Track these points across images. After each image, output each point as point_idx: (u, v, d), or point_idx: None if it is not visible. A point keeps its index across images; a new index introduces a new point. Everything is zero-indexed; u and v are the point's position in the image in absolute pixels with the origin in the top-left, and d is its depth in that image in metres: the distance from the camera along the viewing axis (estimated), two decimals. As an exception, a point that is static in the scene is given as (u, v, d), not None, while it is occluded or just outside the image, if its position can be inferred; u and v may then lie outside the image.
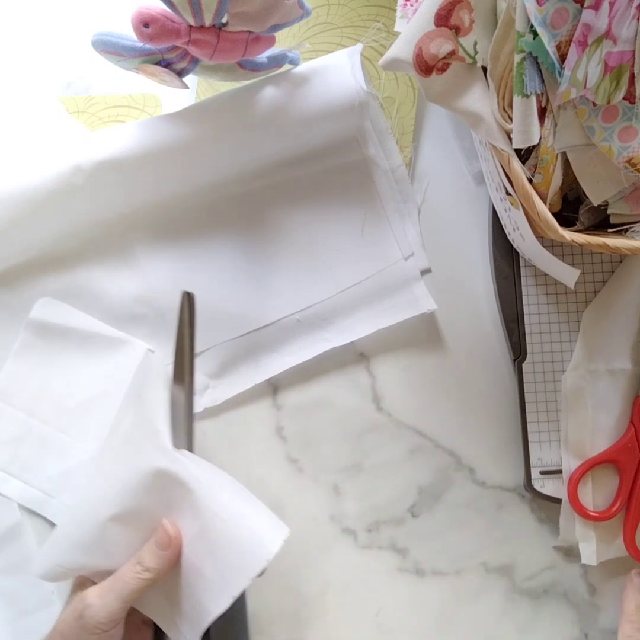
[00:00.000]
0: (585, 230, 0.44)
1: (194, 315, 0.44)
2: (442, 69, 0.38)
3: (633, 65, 0.37)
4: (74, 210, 0.46)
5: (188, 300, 0.43)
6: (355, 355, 0.50)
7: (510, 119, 0.37)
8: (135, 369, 0.47)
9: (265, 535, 0.39)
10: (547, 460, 0.48)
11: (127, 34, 0.40)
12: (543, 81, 0.37)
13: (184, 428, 0.42)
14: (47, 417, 0.48)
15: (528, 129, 0.36)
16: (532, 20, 0.34)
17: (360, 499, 0.50)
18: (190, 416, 0.43)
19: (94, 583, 0.41)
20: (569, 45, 0.36)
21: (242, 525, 0.39)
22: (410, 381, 0.50)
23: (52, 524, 0.49)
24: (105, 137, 0.44)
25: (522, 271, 0.48)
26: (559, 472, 0.47)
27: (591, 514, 0.46)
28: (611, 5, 0.35)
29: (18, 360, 0.49)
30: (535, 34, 0.35)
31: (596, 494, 0.47)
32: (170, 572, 0.40)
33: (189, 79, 0.44)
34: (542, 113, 0.38)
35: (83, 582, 0.42)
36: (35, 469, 0.48)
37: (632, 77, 0.37)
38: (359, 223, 0.50)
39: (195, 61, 0.42)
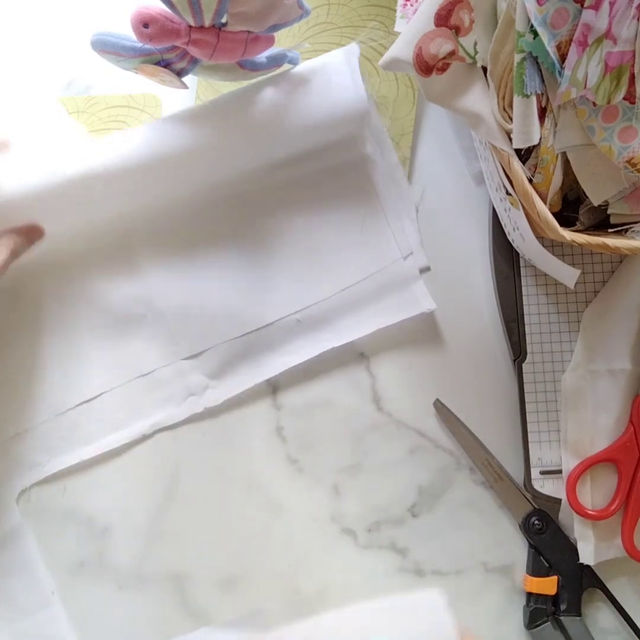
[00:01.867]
0: (585, 230, 0.44)
1: None
2: (442, 69, 0.38)
3: (633, 65, 0.37)
4: (74, 212, 0.46)
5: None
6: (355, 355, 0.50)
7: (510, 119, 0.37)
8: None
9: None
10: (547, 460, 0.48)
11: (127, 34, 0.40)
12: (543, 81, 0.37)
13: None
14: None
15: (528, 129, 0.36)
16: (532, 20, 0.34)
17: (360, 499, 0.50)
18: None
19: None
20: (569, 45, 0.36)
21: None
22: (410, 381, 0.50)
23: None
24: (106, 144, 0.44)
25: (522, 271, 0.48)
26: (559, 472, 0.47)
27: (589, 512, 0.46)
28: (611, 5, 0.35)
29: None
30: (535, 34, 0.35)
31: (595, 492, 0.47)
32: None
33: (189, 79, 0.44)
34: (542, 113, 0.38)
35: None
36: None
37: (632, 77, 0.37)
38: (358, 222, 0.50)
39: (194, 61, 0.42)
